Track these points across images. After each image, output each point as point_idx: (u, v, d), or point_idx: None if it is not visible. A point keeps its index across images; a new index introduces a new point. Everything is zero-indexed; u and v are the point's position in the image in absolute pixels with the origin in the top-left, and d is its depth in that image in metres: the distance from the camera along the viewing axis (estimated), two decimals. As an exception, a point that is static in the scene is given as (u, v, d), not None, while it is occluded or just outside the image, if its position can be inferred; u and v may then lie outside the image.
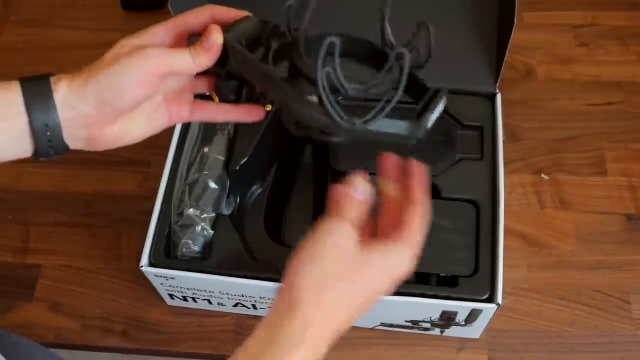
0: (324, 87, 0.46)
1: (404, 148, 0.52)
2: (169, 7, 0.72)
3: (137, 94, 0.51)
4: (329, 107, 0.46)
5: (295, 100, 0.49)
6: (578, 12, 0.99)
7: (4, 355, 0.63)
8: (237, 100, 0.57)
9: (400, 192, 0.53)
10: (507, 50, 0.75)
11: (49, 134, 0.50)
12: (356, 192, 0.50)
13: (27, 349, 0.67)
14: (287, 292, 0.46)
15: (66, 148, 0.52)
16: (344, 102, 0.48)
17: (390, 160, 0.54)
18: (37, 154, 0.51)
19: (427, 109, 0.50)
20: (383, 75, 0.49)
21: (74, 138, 0.52)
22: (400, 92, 0.47)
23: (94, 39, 1.00)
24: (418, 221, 0.50)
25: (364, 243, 0.49)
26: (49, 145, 0.51)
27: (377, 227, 0.52)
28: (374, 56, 0.53)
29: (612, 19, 0.98)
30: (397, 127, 0.49)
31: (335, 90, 0.47)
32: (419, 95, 0.52)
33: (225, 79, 0.55)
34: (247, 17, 0.55)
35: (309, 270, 0.47)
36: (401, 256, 0.49)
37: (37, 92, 0.49)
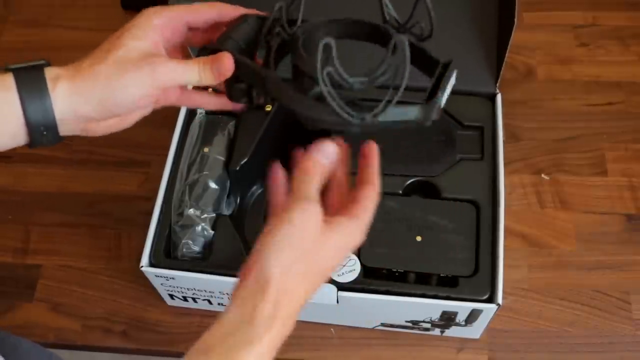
0: (328, 89, 0.46)
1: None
2: (169, 7, 0.72)
3: (140, 104, 0.52)
4: (336, 107, 0.46)
5: (302, 105, 0.49)
6: (578, 12, 0.99)
7: (4, 357, 0.63)
8: (249, 102, 0.57)
9: (349, 172, 0.54)
10: (507, 50, 0.75)
11: (44, 131, 0.50)
12: (323, 156, 0.51)
13: (27, 350, 0.67)
14: (257, 271, 0.47)
15: (60, 139, 0.52)
16: (352, 95, 0.48)
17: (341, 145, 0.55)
18: (31, 145, 0.52)
19: (438, 86, 0.50)
20: (385, 63, 0.48)
21: (69, 130, 0.52)
22: (405, 80, 0.47)
23: (94, 39, 0.99)
24: (373, 199, 0.52)
25: (327, 220, 0.49)
26: (43, 139, 0.51)
27: (326, 202, 0.53)
28: (376, 35, 0.52)
29: (612, 19, 0.98)
30: (409, 113, 0.48)
31: (339, 87, 0.47)
32: (428, 68, 0.51)
33: (234, 83, 0.55)
34: (246, 16, 0.55)
35: (278, 251, 0.47)
36: (355, 231, 0.50)
37: (33, 92, 0.49)
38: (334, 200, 0.52)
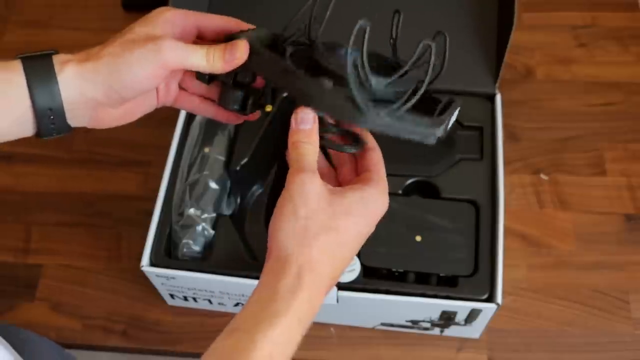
0: (353, 71, 0.45)
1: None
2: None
3: (147, 85, 0.51)
4: (355, 92, 0.46)
5: (318, 90, 0.48)
6: (577, 13, 0.99)
7: (15, 350, 0.63)
8: (241, 110, 0.57)
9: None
10: (507, 51, 0.75)
11: (52, 117, 0.50)
12: (302, 123, 0.50)
13: (36, 344, 0.67)
14: (275, 252, 0.48)
15: (69, 128, 0.52)
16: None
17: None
18: (39, 134, 0.51)
19: (445, 111, 0.51)
20: (407, 70, 0.49)
21: (78, 118, 0.52)
22: (427, 82, 0.48)
23: (95, 40, 0.98)
24: (381, 162, 0.52)
25: (332, 188, 0.50)
26: (51, 127, 0.51)
27: (338, 177, 0.55)
28: (388, 67, 0.53)
29: (611, 20, 0.98)
30: (420, 121, 0.49)
31: (359, 84, 0.47)
32: (429, 110, 0.52)
33: (231, 88, 0.55)
34: (258, 28, 0.55)
35: (289, 228, 0.48)
36: (377, 197, 0.50)
37: (40, 74, 0.49)
38: (345, 173, 0.54)
